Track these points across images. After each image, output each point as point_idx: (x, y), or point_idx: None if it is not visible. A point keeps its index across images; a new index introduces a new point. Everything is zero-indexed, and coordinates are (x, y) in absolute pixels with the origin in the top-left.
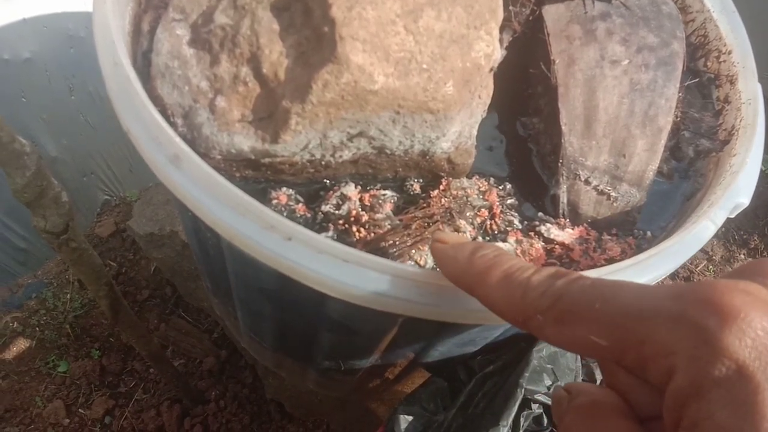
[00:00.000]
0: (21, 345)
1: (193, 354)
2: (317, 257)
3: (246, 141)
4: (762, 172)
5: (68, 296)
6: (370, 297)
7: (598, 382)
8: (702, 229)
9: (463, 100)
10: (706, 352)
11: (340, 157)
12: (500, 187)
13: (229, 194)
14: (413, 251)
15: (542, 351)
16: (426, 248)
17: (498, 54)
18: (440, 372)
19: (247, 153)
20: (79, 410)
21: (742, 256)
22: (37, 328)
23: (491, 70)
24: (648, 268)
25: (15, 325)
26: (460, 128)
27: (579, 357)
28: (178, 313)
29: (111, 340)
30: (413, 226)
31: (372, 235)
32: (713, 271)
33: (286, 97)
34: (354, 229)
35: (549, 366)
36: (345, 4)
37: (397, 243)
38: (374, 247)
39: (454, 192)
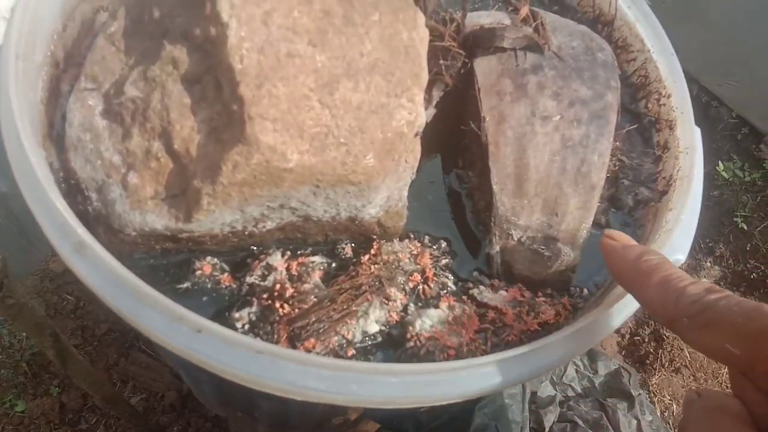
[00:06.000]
0: None
1: (155, 388)
2: (229, 350)
3: (159, 220)
4: (725, 179)
5: (24, 333)
6: (286, 388)
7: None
8: None
9: (387, 169)
10: None
11: (264, 227)
12: (434, 247)
13: (134, 287)
14: (340, 326)
15: (485, 408)
16: (353, 321)
17: (422, 119)
18: (390, 423)
19: (161, 231)
20: None
21: (708, 264)
22: None
23: (417, 135)
24: (576, 340)
25: None
26: (388, 193)
27: (525, 408)
28: (139, 346)
29: None
30: (339, 300)
31: (296, 311)
32: None
33: (197, 176)
34: (277, 305)
35: (493, 423)
36: (254, 81)
37: (323, 318)
38: (299, 324)
39: (385, 257)
